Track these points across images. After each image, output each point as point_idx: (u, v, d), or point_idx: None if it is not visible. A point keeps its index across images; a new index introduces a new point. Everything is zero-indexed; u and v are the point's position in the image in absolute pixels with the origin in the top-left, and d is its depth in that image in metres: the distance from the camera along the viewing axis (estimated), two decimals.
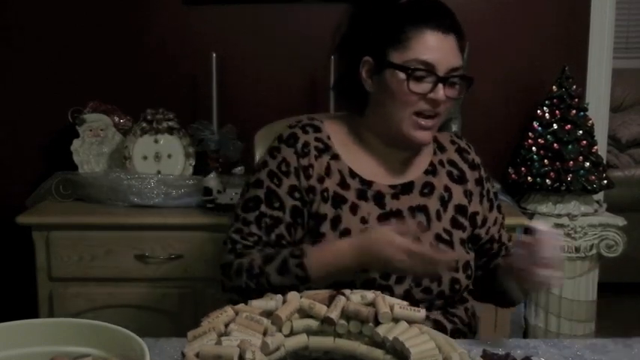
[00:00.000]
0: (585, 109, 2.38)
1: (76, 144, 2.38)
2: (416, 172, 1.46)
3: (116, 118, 2.44)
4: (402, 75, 1.35)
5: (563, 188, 2.31)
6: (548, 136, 2.35)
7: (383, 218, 1.40)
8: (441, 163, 1.49)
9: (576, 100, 2.36)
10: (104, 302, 2.20)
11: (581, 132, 2.34)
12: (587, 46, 2.51)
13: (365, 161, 1.45)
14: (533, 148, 2.37)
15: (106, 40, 2.50)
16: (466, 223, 1.47)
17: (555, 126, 2.35)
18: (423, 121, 1.38)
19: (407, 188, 1.44)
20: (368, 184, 1.43)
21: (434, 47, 1.35)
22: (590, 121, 2.37)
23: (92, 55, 2.50)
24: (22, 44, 2.50)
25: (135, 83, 2.51)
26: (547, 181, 2.33)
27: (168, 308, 2.20)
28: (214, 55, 2.35)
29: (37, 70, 2.51)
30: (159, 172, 2.39)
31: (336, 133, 1.47)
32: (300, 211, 1.41)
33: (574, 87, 2.37)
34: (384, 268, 1.32)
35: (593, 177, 2.33)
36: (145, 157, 2.40)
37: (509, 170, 2.45)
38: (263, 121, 1.62)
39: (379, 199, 1.42)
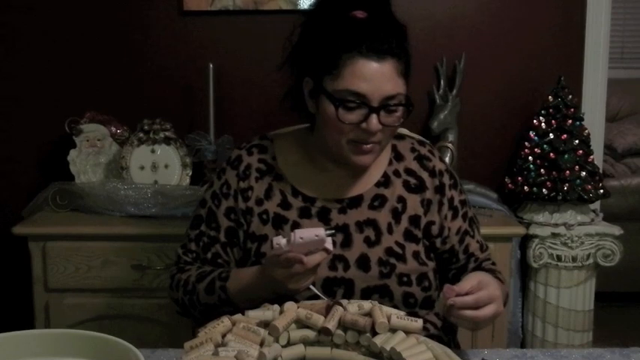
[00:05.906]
0: (581, 119, 2.38)
1: (72, 154, 2.38)
2: (366, 185, 1.44)
3: (113, 129, 2.44)
4: (332, 104, 1.31)
5: (559, 198, 2.31)
6: (545, 146, 2.36)
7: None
8: (396, 173, 1.45)
9: (572, 109, 2.37)
10: (101, 313, 2.19)
11: (577, 141, 2.34)
12: (582, 56, 2.52)
13: (312, 177, 1.44)
14: (530, 158, 2.37)
15: (103, 50, 2.50)
16: (420, 234, 1.42)
17: (551, 135, 2.35)
18: (363, 146, 1.34)
19: (355, 202, 1.42)
20: (311, 200, 1.42)
21: (366, 76, 1.28)
22: (586, 131, 2.38)
23: (89, 66, 2.50)
24: (19, 54, 2.50)
25: (132, 93, 2.51)
26: (543, 190, 2.33)
27: (164, 319, 2.19)
28: (211, 65, 2.35)
29: (34, 81, 2.51)
30: (156, 183, 2.38)
31: (283, 152, 1.47)
32: (235, 232, 1.44)
33: (570, 97, 2.37)
34: (282, 284, 1.25)
35: (590, 186, 2.33)
36: (142, 168, 2.39)
37: (506, 180, 2.46)
38: (259, 131, 1.62)
39: (324, 214, 1.41)
